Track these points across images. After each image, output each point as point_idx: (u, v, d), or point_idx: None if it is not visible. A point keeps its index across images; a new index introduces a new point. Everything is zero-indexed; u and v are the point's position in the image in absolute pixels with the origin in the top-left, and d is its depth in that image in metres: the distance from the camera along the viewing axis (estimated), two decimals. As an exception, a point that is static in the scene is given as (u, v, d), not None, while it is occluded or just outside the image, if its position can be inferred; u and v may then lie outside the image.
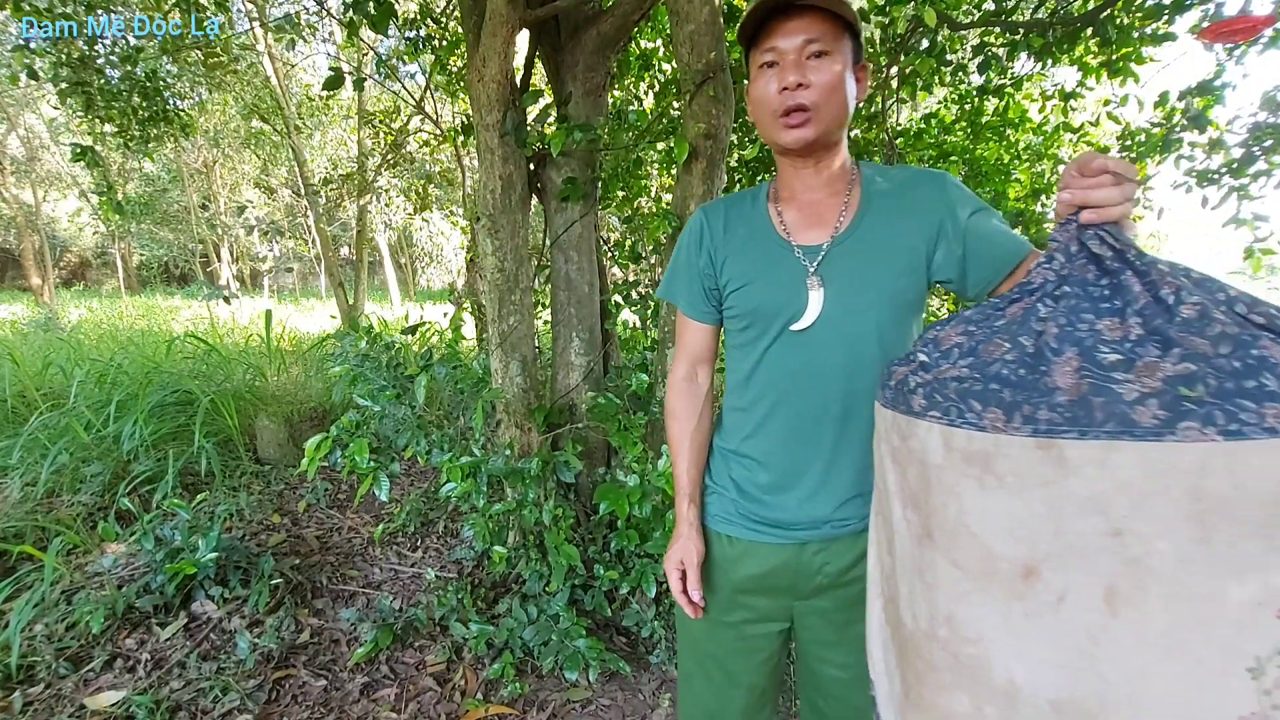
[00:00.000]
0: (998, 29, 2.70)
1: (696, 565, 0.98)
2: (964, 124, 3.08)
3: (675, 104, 2.47)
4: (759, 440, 0.95)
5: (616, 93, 3.16)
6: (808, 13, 0.82)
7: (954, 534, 0.62)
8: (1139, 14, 2.33)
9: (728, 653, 1.00)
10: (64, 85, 2.93)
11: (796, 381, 0.90)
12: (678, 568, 0.99)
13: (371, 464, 1.80)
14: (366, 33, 2.91)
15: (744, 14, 0.85)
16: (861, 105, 3.26)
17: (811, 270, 0.88)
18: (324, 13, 4.60)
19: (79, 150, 2.85)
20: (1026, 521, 0.59)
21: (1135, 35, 2.38)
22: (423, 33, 2.94)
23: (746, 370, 0.96)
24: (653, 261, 2.66)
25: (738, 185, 3.00)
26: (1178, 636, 0.54)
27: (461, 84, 3.70)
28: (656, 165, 3.42)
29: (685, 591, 0.99)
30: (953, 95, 3.17)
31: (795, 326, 0.88)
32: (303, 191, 7.42)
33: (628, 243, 2.87)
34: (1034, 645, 0.59)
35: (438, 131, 4.88)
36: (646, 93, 3.29)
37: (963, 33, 2.75)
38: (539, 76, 2.87)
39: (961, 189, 0.88)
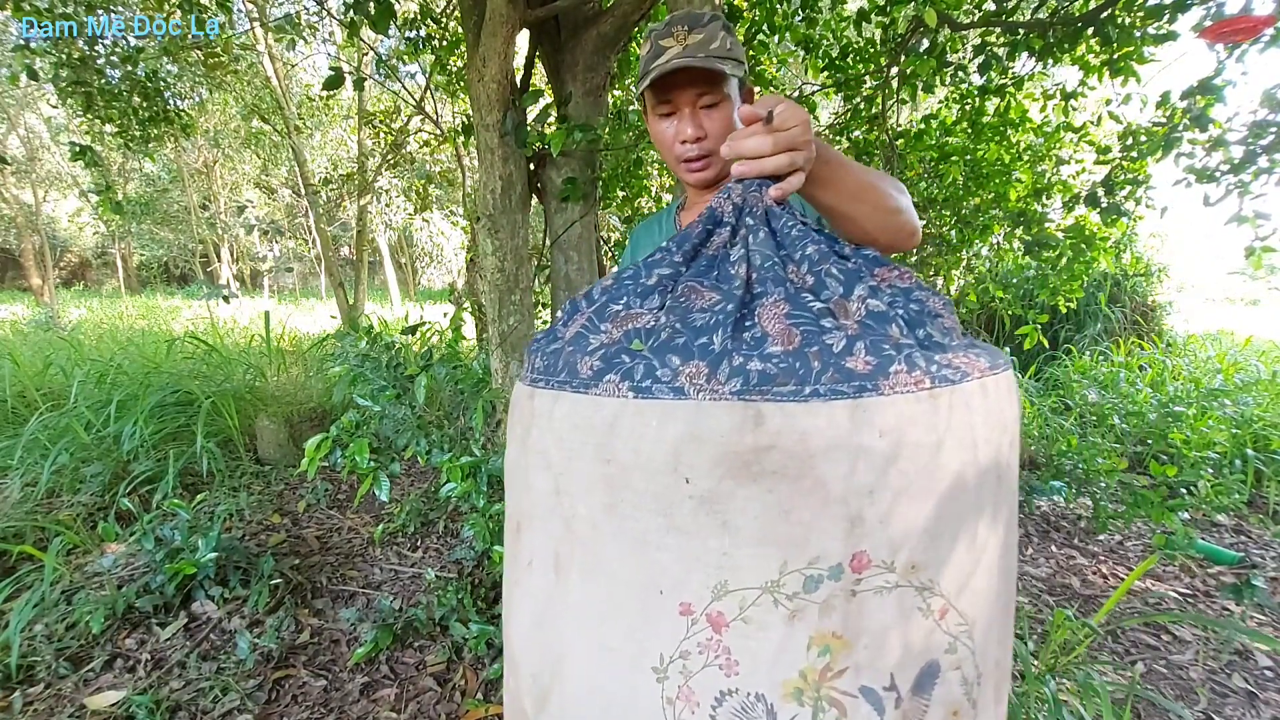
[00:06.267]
0: (998, 29, 2.70)
1: None
2: (964, 124, 3.06)
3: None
4: None
5: (616, 93, 3.15)
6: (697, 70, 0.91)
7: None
8: (1140, 13, 2.32)
9: None
10: (64, 85, 2.93)
11: None
12: None
13: (371, 464, 1.80)
14: (366, 33, 2.91)
15: (643, 77, 0.90)
16: (862, 106, 3.27)
17: None
18: (324, 13, 4.60)
19: (77, 150, 2.85)
20: (515, 473, 0.55)
21: (1136, 35, 2.38)
22: (423, 33, 2.94)
23: None
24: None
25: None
26: (592, 613, 0.47)
27: (461, 84, 3.70)
28: (656, 165, 3.42)
29: None
30: (953, 95, 3.16)
31: None
32: (303, 191, 7.41)
33: (627, 243, 2.86)
34: (518, 610, 0.54)
35: (438, 131, 4.88)
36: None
37: (963, 33, 2.75)
38: (539, 76, 2.87)
39: None
